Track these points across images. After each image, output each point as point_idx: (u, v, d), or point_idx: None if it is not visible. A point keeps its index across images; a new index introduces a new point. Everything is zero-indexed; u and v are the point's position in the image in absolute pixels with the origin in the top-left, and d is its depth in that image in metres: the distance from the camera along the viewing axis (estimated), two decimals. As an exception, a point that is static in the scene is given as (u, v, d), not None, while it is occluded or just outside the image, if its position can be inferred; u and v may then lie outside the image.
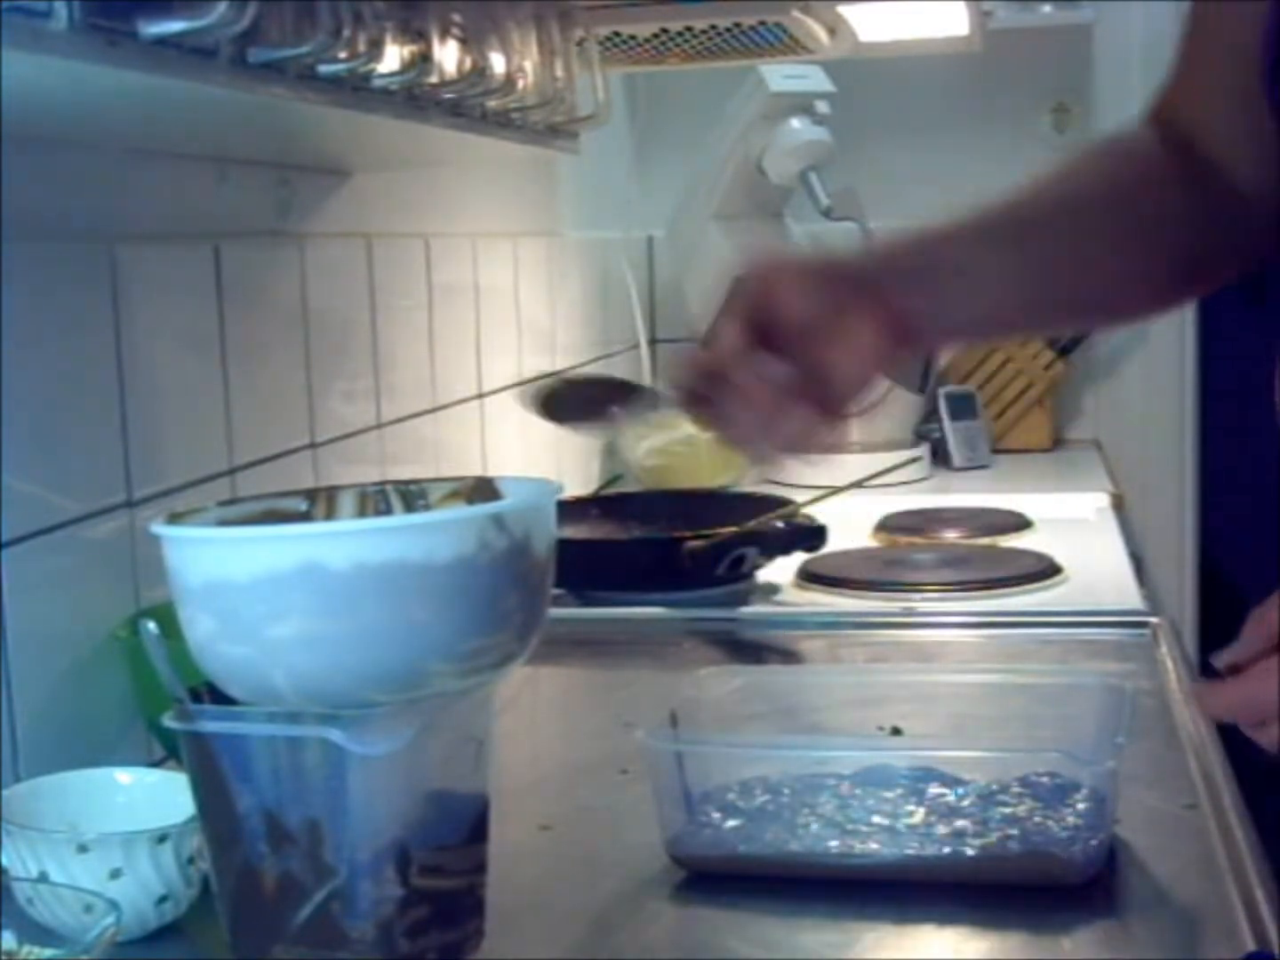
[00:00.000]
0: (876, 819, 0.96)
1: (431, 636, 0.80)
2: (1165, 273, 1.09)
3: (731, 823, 0.98)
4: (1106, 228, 1.08)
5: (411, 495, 0.94)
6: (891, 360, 1.04)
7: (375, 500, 0.94)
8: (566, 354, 2.31)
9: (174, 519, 0.86)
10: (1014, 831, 0.94)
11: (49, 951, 0.80)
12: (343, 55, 1.02)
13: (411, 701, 0.81)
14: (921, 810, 0.97)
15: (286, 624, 0.79)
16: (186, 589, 0.82)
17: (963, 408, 2.57)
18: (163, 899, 0.90)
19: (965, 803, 0.97)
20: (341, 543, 0.79)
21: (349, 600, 0.78)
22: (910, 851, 0.94)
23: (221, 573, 0.80)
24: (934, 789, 0.99)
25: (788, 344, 0.99)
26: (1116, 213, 1.08)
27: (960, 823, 0.95)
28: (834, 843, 0.95)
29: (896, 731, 1.11)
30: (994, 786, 0.99)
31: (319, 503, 0.93)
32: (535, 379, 2.14)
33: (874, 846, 0.94)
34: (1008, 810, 0.96)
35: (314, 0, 0.98)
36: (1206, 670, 0.88)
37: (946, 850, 0.94)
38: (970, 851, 0.93)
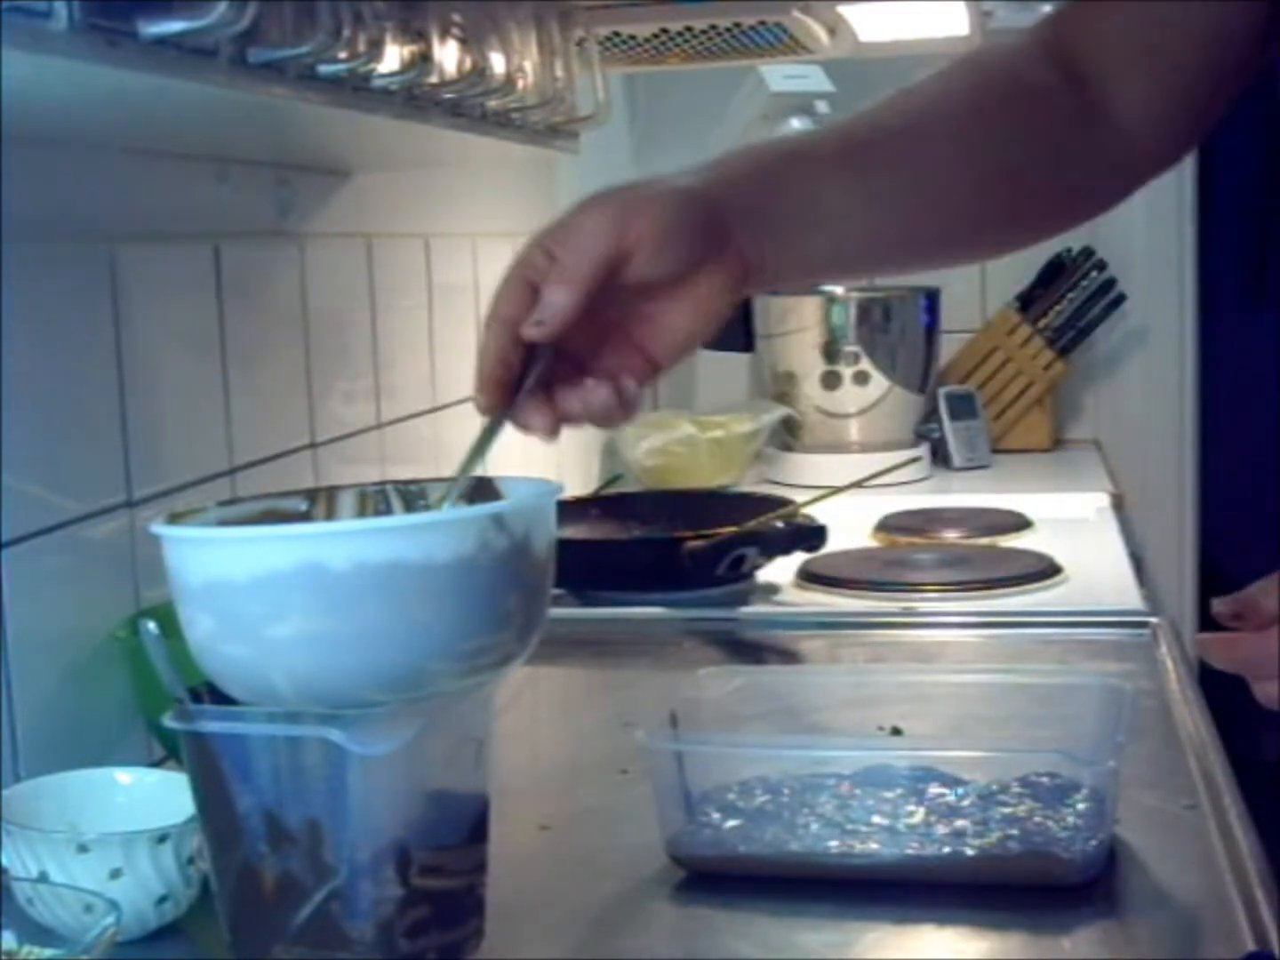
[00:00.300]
0: (876, 819, 0.96)
1: (431, 636, 0.80)
2: (1025, 205, 1.01)
3: (731, 823, 0.98)
4: (960, 154, 0.98)
5: (411, 495, 0.94)
6: (725, 315, 0.92)
7: (375, 500, 0.94)
8: (566, 354, 2.31)
9: (174, 519, 0.86)
10: (1014, 831, 0.94)
11: (49, 951, 0.80)
12: (343, 55, 1.02)
13: (412, 701, 0.81)
14: (921, 810, 0.97)
15: (286, 624, 0.79)
16: (186, 589, 0.82)
17: (963, 408, 2.57)
18: (163, 899, 0.90)
19: (965, 803, 0.97)
20: (341, 542, 0.79)
21: (349, 600, 0.78)
22: (910, 851, 0.94)
23: (221, 572, 0.80)
24: (934, 789, 0.99)
25: (628, 293, 0.88)
26: (974, 134, 0.98)
27: (960, 823, 0.95)
28: (834, 843, 0.95)
29: (896, 731, 1.11)
30: (994, 786, 0.99)
31: (319, 503, 0.93)
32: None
33: (874, 846, 0.94)
34: (1008, 810, 0.96)
35: (314, 0, 0.98)
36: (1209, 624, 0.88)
37: (946, 850, 0.94)
38: (970, 851, 0.93)
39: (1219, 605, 0.88)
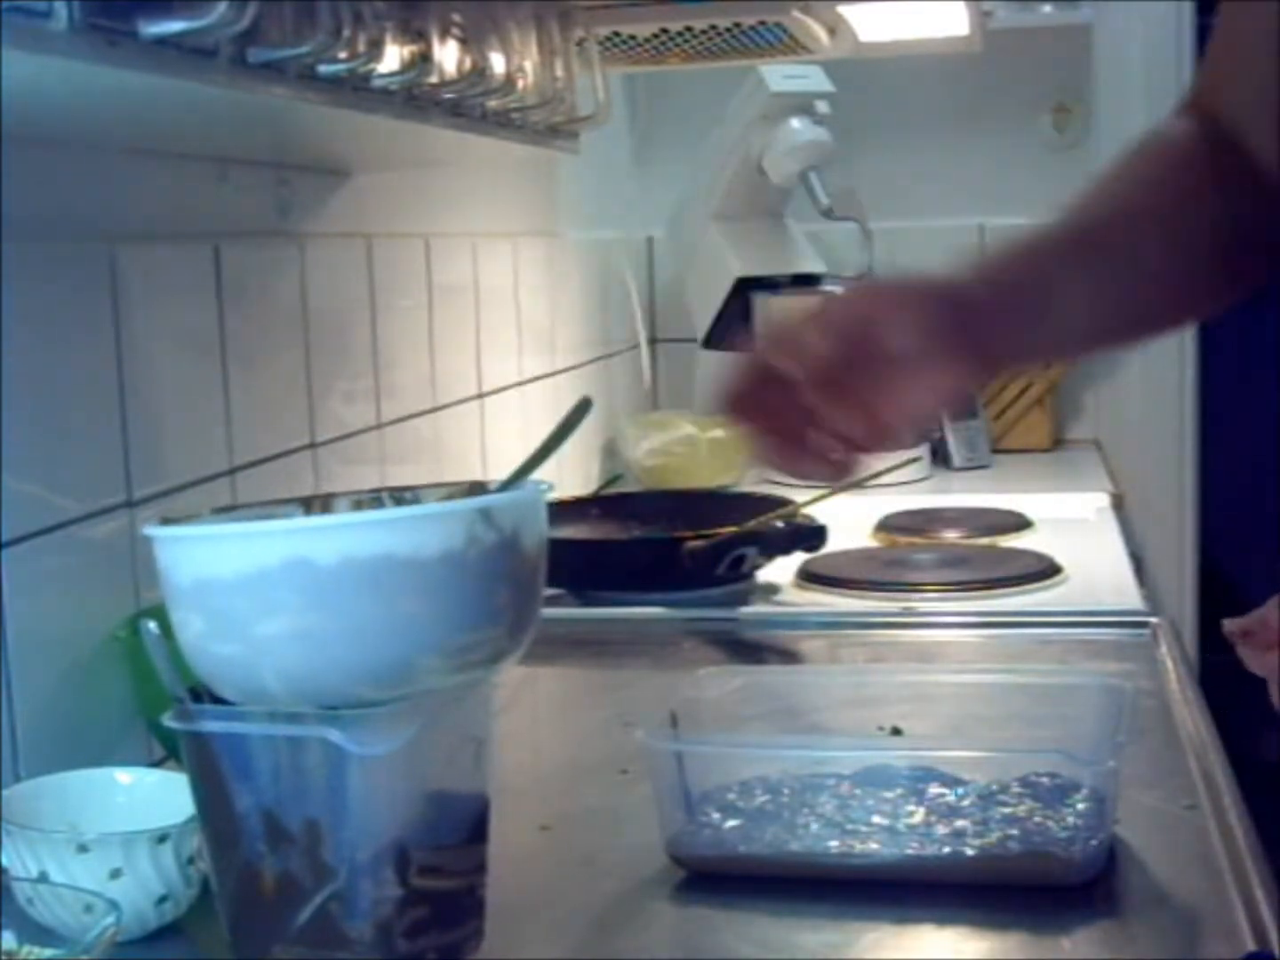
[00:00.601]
0: (876, 819, 0.96)
1: (421, 631, 0.80)
2: (1219, 275, 1.08)
3: (731, 823, 0.98)
4: (1163, 236, 1.06)
5: (406, 501, 0.94)
6: (960, 401, 1.02)
7: (370, 506, 0.94)
8: (566, 354, 2.31)
9: (167, 524, 0.86)
10: (1014, 831, 0.94)
11: (49, 951, 0.80)
12: (343, 55, 1.02)
13: (403, 698, 0.81)
14: (921, 810, 0.97)
15: (275, 621, 0.79)
16: (177, 589, 0.82)
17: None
18: (163, 899, 0.90)
19: (965, 803, 0.97)
20: (328, 537, 0.79)
21: (337, 595, 0.78)
22: (910, 851, 0.94)
23: (210, 571, 0.80)
24: (934, 789, 0.99)
25: (867, 371, 0.96)
26: (1169, 219, 1.06)
27: (960, 823, 0.95)
28: (834, 843, 0.95)
29: (896, 731, 1.11)
30: (994, 787, 0.99)
31: (314, 510, 0.93)
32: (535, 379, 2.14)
33: (874, 846, 0.94)
34: (1008, 810, 0.96)
35: (314, 0, 0.98)
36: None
37: (946, 850, 0.94)
38: (970, 851, 0.93)
39: (1229, 625, 0.90)
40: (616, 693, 1.43)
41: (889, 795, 0.98)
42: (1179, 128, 1.11)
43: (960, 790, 0.99)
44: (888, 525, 2.00)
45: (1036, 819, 0.95)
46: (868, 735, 1.10)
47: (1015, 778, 0.99)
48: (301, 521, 0.89)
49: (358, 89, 1.07)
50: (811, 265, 2.63)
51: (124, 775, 1.00)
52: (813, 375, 0.95)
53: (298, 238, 1.50)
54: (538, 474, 0.89)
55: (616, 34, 1.77)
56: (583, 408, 0.90)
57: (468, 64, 1.22)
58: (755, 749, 1.05)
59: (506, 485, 0.88)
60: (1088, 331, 1.07)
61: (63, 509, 1.13)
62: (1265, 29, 1.02)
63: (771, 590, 1.72)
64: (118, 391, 1.19)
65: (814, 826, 0.96)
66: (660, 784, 0.99)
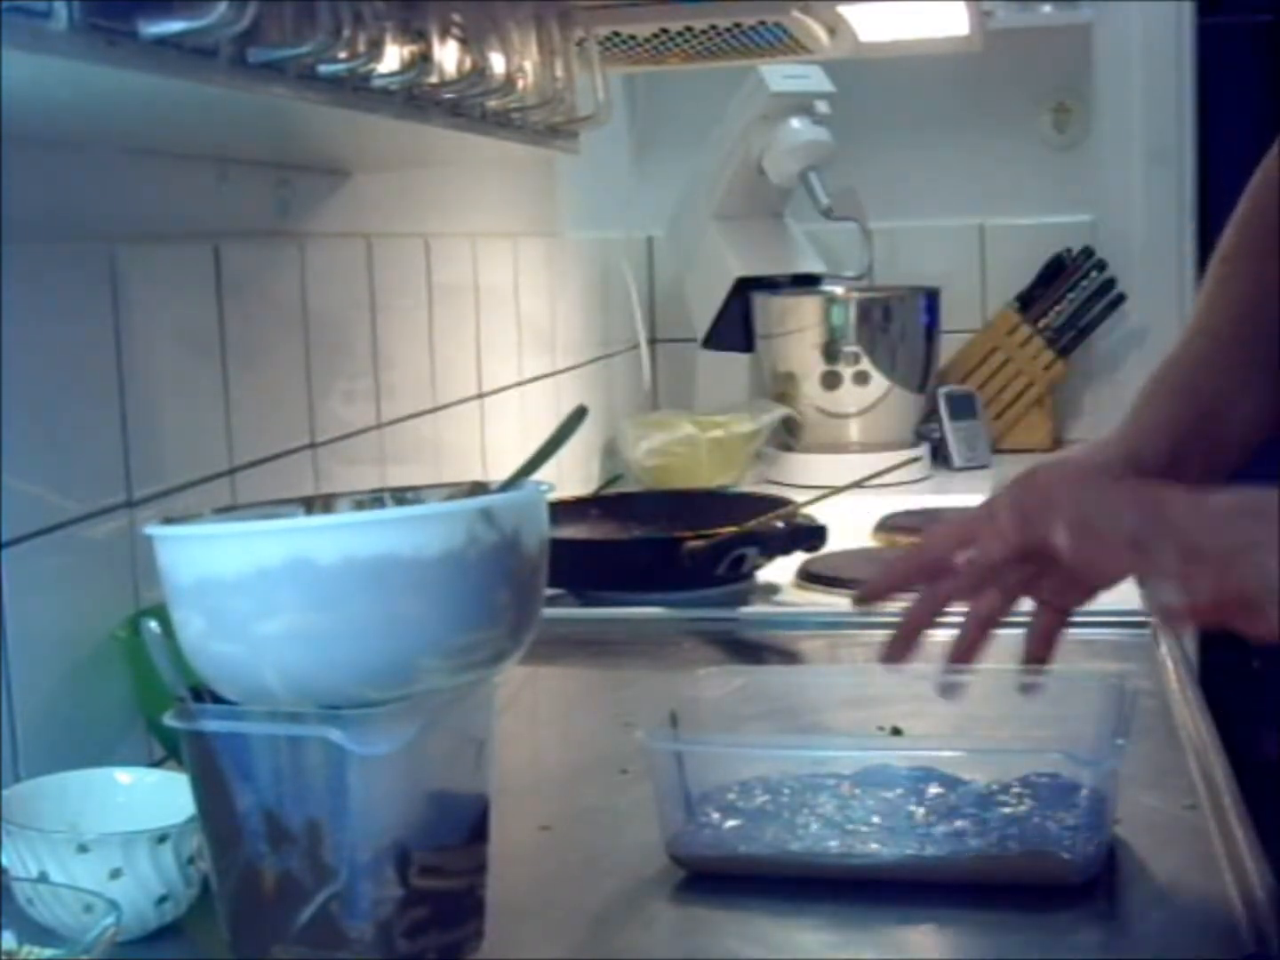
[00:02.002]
0: (876, 819, 0.96)
1: (421, 631, 0.80)
2: None
3: (731, 823, 0.98)
4: None
5: (407, 502, 0.94)
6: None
7: (372, 507, 0.94)
8: (566, 354, 2.31)
9: (168, 524, 0.86)
10: (1014, 831, 0.94)
11: (49, 951, 0.80)
12: (343, 55, 1.02)
13: (404, 698, 0.81)
14: (921, 810, 0.97)
15: (276, 620, 0.79)
16: (178, 589, 0.82)
17: (963, 408, 2.57)
18: (163, 899, 0.90)
19: (965, 803, 0.97)
20: (329, 536, 0.79)
21: (338, 595, 0.78)
22: (910, 851, 0.94)
23: (211, 570, 0.80)
24: (934, 789, 0.99)
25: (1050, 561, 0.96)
26: None
27: (960, 823, 0.95)
28: (834, 843, 0.95)
29: (896, 732, 1.11)
30: (994, 787, 0.99)
31: (315, 510, 0.93)
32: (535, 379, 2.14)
33: (874, 847, 0.94)
34: (1008, 810, 0.96)
35: (314, 0, 0.98)
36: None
37: (946, 850, 0.94)
38: (970, 852, 0.93)
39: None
40: (616, 693, 1.43)
41: (889, 795, 0.98)
42: None
43: (960, 790, 0.99)
44: (888, 525, 2.00)
45: (1036, 819, 0.95)
46: (868, 735, 1.10)
47: (1015, 778, 0.99)
48: (302, 521, 0.89)
49: (358, 89, 1.07)
50: (811, 265, 2.63)
51: (124, 775, 1.00)
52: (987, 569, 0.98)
53: (298, 238, 1.50)
54: (538, 474, 0.89)
55: (616, 34, 1.77)
56: (577, 416, 0.90)
57: (468, 64, 1.22)
58: (755, 749, 1.05)
59: (504, 488, 0.88)
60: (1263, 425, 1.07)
61: (63, 509, 1.13)
62: None
63: (771, 590, 1.72)
64: (118, 392, 1.19)
65: (814, 826, 0.96)
66: (660, 784, 0.99)
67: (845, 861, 0.94)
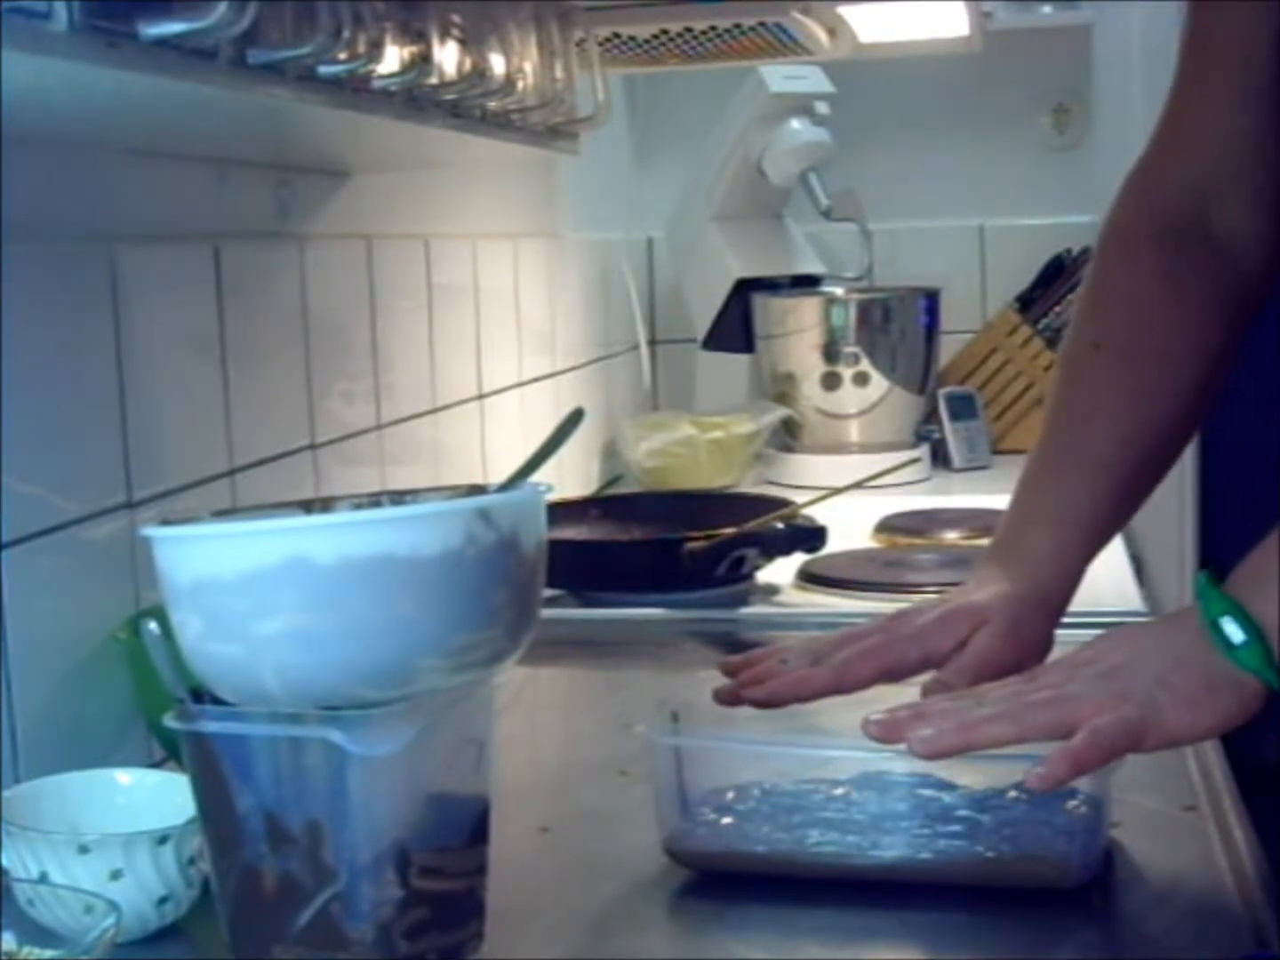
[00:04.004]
0: (874, 821, 0.96)
1: (419, 631, 0.80)
2: (1215, 369, 1.15)
3: (727, 820, 0.98)
4: (1164, 403, 1.14)
5: (406, 504, 0.94)
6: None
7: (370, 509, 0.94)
8: (566, 355, 2.31)
9: (166, 525, 0.86)
10: (1010, 835, 0.94)
11: (49, 952, 0.80)
12: (342, 56, 1.02)
13: (402, 698, 0.81)
14: (919, 813, 0.97)
15: (274, 620, 0.79)
16: (176, 590, 0.82)
17: (963, 408, 2.57)
18: (163, 900, 0.90)
19: (961, 807, 0.97)
20: (327, 536, 0.79)
21: (336, 595, 0.78)
22: (907, 853, 0.94)
23: (209, 570, 0.80)
24: (931, 793, 0.99)
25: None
26: (1161, 381, 1.13)
27: (956, 826, 0.95)
28: (832, 845, 0.95)
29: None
30: (990, 791, 0.99)
31: (314, 513, 0.93)
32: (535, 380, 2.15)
33: (872, 848, 0.94)
34: (1004, 814, 0.96)
35: (314, 1, 0.98)
36: None
37: (943, 853, 0.94)
38: (967, 855, 0.93)
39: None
40: (616, 693, 1.43)
41: (886, 799, 0.98)
42: (1123, 271, 1.15)
43: (956, 794, 0.99)
44: (888, 526, 2.00)
45: (1032, 823, 0.95)
46: (865, 738, 1.10)
47: (1011, 782, 0.99)
48: (300, 521, 0.88)
49: (358, 90, 1.07)
50: (811, 266, 2.63)
51: (124, 776, 1.00)
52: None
53: (298, 238, 1.50)
54: (539, 474, 0.89)
55: (616, 35, 1.77)
56: (574, 418, 0.90)
57: (468, 65, 1.22)
58: (753, 750, 1.05)
59: (503, 490, 0.88)
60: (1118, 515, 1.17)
61: (63, 509, 1.13)
62: (1244, 55, 1.05)
63: (771, 591, 1.72)
64: (118, 392, 1.19)
65: (811, 828, 0.96)
66: (658, 780, 0.99)
67: (843, 862, 0.94)
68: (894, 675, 1.08)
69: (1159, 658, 0.90)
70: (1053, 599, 1.13)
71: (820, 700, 1.07)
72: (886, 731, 0.90)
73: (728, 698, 1.06)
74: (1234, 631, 0.88)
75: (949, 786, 0.99)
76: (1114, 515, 1.16)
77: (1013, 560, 1.15)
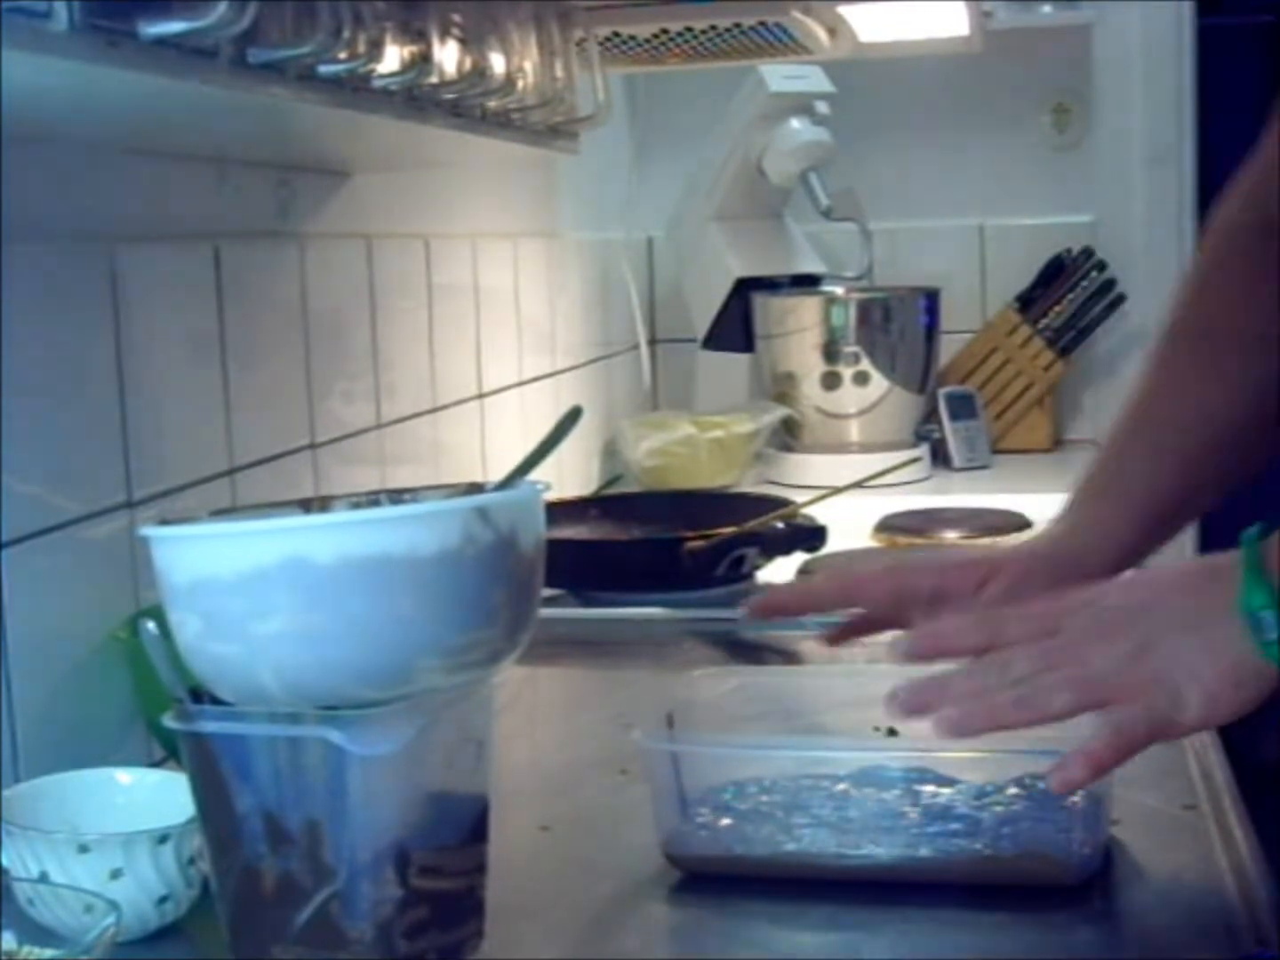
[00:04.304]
0: (872, 820, 0.96)
1: (418, 631, 0.80)
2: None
3: (726, 821, 0.98)
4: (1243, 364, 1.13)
5: (404, 503, 0.94)
6: None
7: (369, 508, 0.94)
8: (566, 354, 2.31)
9: (164, 525, 0.86)
10: (1009, 832, 0.94)
11: (49, 952, 0.80)
12: (343, 56, 1.02)
13: (400, 698, 0.81)
14: (917, 811, 0.97)
15: (272, 620, 0.79)
16: (174, 590, 0.82)
17: (963, 408, 2.57)
18: (163, 899, 0.90)
19: (961, 803, 0.97)
20: (325, 535, 0.79)
21: (334, 594, 0.78)
22: (906, 852, 0.94)
23: (207, 570, 0.80)
24: (930, 789, 0.99)
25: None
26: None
27: (955, 824, 0.95)
28: (830, 843, 0.95)
29: (892, 732, 1.11)
30: (990, 788, 0.99)
31: (312, 512, 0.93)
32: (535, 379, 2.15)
33: (870, 847, 0.94)
34: (1003, 811, 0.96)
35: (314, 0, 0.98)
36: None
37: (942, 851, 0.94)
38: (966, 853, 0.93)
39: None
40: (616, 693, 1.43)
41: (885, 796, 0.98)
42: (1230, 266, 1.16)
43: (956, 791, 0.99)
44: (888, 525, 2.00)
45: (1032, 820, 0.95)
46: (863, 736, 1.10)
47: (1011, 779, 0.99)
48: (298, 521, 0.88)
49: (358, 89, 1.07)
50: (811, 265, 2.63)
51: (124, 775, 1.00)
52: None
53: (298, 238, 1.50)
54: (537, 473, 0.89)
55: (616, 34, 1.77)
56: (572, 417, 0.90)
57: (468, 64, 1.22)
58: (750, 749, 1.05)
59: (501, 489, 0.88)
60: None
61: (63, 509, 1.13)
62: None
63: (771, 590, 1.72)
64: (118, 392, 1.19)
65: (809, 827, 0.96)
66: (655, 784, 0.99)
67: (841, 862, 0.94)
68: (902, 599, 1.09)
69: (1191, 641, 0.86)
70: (1083, 563, 1.10)
71: (833, 612, 1.14)
72: (911, 705, 0.89)
73: (755, 609, 1.13)
74: (1271, 627, 0.84)
75: (948, 783, 0.99)
76: (1182, 496, 1.14)
77: (1059, 522, 1.15)
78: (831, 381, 2.44)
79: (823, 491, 1.81)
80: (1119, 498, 1.13)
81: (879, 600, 1.08)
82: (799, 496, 1.85)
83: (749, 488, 2.31)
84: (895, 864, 0.94)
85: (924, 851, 0.94)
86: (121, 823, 0.93)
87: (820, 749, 1.05)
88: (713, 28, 1.76)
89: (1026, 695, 0.87)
